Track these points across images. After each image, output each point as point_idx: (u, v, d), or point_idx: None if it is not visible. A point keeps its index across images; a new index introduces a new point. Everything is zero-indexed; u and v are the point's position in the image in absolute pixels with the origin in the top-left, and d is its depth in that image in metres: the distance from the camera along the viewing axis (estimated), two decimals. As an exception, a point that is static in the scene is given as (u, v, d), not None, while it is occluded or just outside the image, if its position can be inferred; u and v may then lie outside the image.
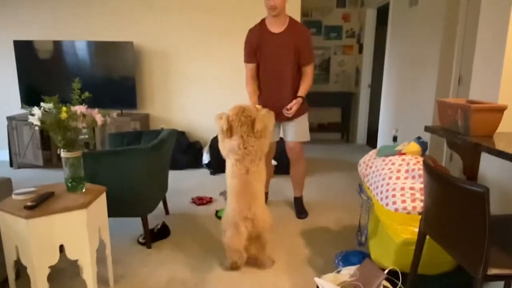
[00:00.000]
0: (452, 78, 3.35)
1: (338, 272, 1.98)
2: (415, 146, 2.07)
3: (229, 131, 2.23)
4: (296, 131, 2.91)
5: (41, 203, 1.69)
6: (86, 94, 1.81)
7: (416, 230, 1.67)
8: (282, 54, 2.75)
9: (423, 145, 2.10)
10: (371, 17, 5.51)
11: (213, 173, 4.17)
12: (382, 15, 5.11)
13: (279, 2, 2.64)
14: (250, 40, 2.83)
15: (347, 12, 6.05)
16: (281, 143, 3.05)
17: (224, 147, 2.29)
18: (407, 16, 4.10)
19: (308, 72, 2.82)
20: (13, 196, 1.78)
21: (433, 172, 1.44)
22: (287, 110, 2.70)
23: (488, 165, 2.06)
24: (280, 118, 2.79)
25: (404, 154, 2.06)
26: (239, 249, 2.15)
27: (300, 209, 3.09)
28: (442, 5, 3.30)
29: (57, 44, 4.24)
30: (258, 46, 2.80)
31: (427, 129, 2.17)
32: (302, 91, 2.80)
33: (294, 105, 2.71)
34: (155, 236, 2.60)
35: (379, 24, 5.41)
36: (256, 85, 2.90)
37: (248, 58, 2.86)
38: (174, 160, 3.24)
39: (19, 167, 4.30)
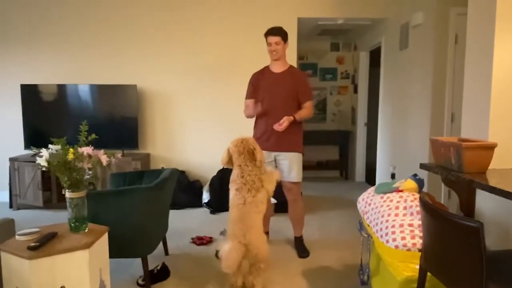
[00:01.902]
0: (445, 115, 3.47)
1: (341, 312, 1.95)
2: (411, 183, 2.12)
3: (230, 163, 2.33)
4: (291, 170, 2.96)
5: (44, 244, 1.70)
6: (93, 135, 1.88)
7: (417, 267, 1.67)
8: (279, 89, 2.93)
9: (420, 182, 2.14)
10: (364, 59, 5.76)
11: (213, 212, 4.17)
12: (375, 57, 5.35)
13: (279, 48, 2.91)
14: (252, 81, 3.07)
15: (341, 55, 6.33)
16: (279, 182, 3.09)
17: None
18: (398, 58, 4.30)
19: (307, 106, 3.00)
20: (17, 237, 1.79)
21: (429, 208, 1.48)
22: (279, 125, 2.78)
23: (484, 201, 2.10)
24: (272, 148, 2.95)
25: (401, 191, 2.10)
26: (233, 266, 2.12)
27: (301, 248, 3.07)
28: (430, 47, 3.48)
29: (61, 88, 4.40)
30: (258, 84, 3.00)
31: (422, 166, 2.23)
32: (297, 114, 2.91)
33: (285, 121, 2.78)
34: (155, 277, 2.57)
35: (372, 66, 5.65)
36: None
37: (249, 96, 3.06)
38: (174, 199, 3.26)
39: (18, 208, 4.29)
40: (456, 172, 1.88)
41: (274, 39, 2.89)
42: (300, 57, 5.86)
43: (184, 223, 3.79)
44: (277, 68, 3.00)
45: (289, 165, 2.96)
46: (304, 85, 3.01)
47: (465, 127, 2.32)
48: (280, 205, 3.48)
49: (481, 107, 2.15)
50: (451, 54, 3.39)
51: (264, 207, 2.37)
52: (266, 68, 3.06)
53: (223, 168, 4.55)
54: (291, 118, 2.84)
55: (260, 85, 3.00)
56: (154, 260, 2.77)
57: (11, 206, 4.32)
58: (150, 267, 2.55)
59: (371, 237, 2.12)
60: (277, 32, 2.91)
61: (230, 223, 2.30)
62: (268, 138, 2.96)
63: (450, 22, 3.38)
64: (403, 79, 4.15)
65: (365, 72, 5.79)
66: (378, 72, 5.03)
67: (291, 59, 4.36)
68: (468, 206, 1.95)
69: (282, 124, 2.78)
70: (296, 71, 3.09)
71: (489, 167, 1.89)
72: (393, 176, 4.35)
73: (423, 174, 2.49)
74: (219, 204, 4.11)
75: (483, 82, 2.14)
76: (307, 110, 2.99)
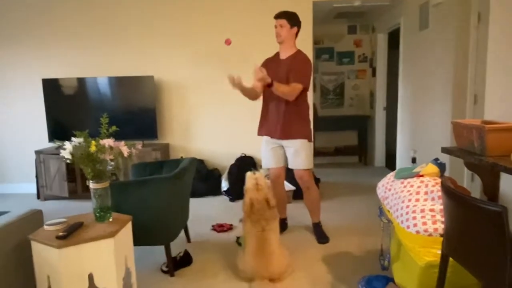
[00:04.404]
0: (468, 98, 3.36)
1: (362, 297, 1.97)
2: (433, 168, 2.08)
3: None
4: (296, 158, 2.95)
5: (71, 233, 1.77)
6: (114, 127, 1.92)
7: (439, 252, 1.66)
8: (281, 76, 2.87)
9: (441, 166, 2.10)
10: (383, 41, 5.61)
11: (232, 199, 4.22)
12: (393, 39, 5.21)
13: (284, 31, 2.88)
14: (263, 65, 3.01)
15: (359, 38, 6.19)
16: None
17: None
18: (418, 39, 4.17)
19: (292, 85, 2.79)
20: (45, 227, 1.86)
21: (451, 193, 1.46)
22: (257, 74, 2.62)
23: (508, 185, 2.04)
24: (278, 135, 2.94)
25: (422, 176, 2.07)
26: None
27: (320, 234, 3.09)
28: (452, 27, 3.36)
29: (80, 81, 4.49)
30: (267, 69, 2.93)
31: (444, 150, 2.18)
32: (277, 84, 2.72)
33: (258, 72, 2.60)
34: (177, 264, 2.64)
35: (390, 48, 5.50)
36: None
37: None
38: (194, 188, 3.32)
39: (45, 199, 4.46)
40: (479, 156, 1.83)
41: (278, 21, 2.88)
42: (316, 42, 5.77)
43: (204, 211, 3.85)
44: (283, 54, 2.97)
45: (296, 153, 2.94)
46: (297, 67, 2.86)
47: (488, 109, 2.26)
48: (299, 192, 3.49)
49: (505, 89, 2.07)
50: (473, 34, 3.25)
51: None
52: (277, 54, 3.04)
53: (241, 156, 4.59)
54: (268, 79, 2.62)
55: (268, 71, 2.92)
56: (177, 247, 2.84)
57: (38, 197, 4.50)
58: (173, 254, 2.62)
59: (392, 223, 2.10)
60: (282, 14, 2.88)
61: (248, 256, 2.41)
62: (273, 126, 2.96)
63: (472, 0, 3.24)
64: (423, 60, 4.04)
65: (383, 55, 5.65)
66: (397, 55, 4.90)
67: (307, 43, 4.31)
68: (491, 190, 1.91)
69: (257, 74, 2.61)
70: (299, 56, 2.95)
71: (514, 150, 1.83)
72: (413, 160, 4.27)
73: (445, 158, 2.44)
74: (238, 192, 4.15)
75: (507, 62, 2.06)
76: (288, 87, 2.78)
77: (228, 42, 2.89)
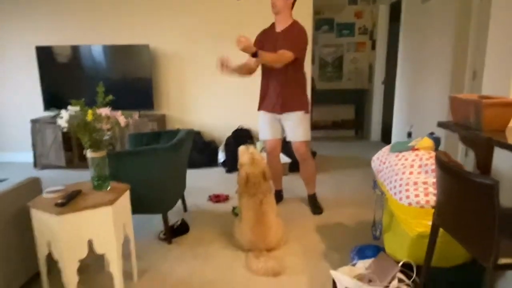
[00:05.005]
0: (466, 73, 3.34)
1: (354, 265, 2.04)
2: (428, 142, 2.11)
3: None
4: (295, 130, 2.95)
5: (70, 201, 1.79)
6: (110, 97, 1.91)
7: (430, 223, 1.70)
8: (276, 49, 2.78)
9: (436, 141, 2.13)
10: (384, 13, 5.50)
11: (228, 171, 4.26)
12: (395, 11, 5.10)
13: (279, 2, 2.79)
14: (258, 37, 2.99)
15: (360, 9, 6.05)
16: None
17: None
18: (420, 11, 4.09)
19: (280, 51, 2.71)
20: (44, 195, 1.89)
21: (444, 166, 1.48)
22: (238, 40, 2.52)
23: (501, 160, 2.07)
24: (275, 109, 2.94)
25: (417, 149, 2.09)
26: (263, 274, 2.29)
27: (314, 205, 3.15)
28: (455, 0, 3.29)
29: (75, 49, 4.40)
30: (262, 42, 2.90)
31: (440, 124, 2.19)
32: (263, 53, 2.63)
33: (241, 40, 2.50)
34: (175, 232, 2.70)
35: (392, 20, 5.40)
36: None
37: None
38: (191, 159, 3.34)
39: (42, 168, 4.47)
40: (474, 130, 1.85)
41: None
42: (316, 12, 5.63)
43: (201, 182, 3.90)
44: (279, 26, 2.89)
45: (294, 125, 2.94)
46: (291, 38, 2.77)
47: (486, 85, 2.25)
48: (295, 164, 3.53)
49: (504, 64, 2.06)
50: (475, 6, 3.20)
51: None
52: (272, 26, 2.96)
53: (238, 129, 4.59)
54: (253, 48, 2.54)
55: (264, 44, 2.88)
56: (174, 216, 2.89)
57: (35, 166, 4.51)
58: (170, 223, 2.67)
59: (385, 195, 2.15)
60: None
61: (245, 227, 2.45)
62: (273, 100, 2.94)
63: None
64: (424, 34, 3.98)
65: (384, 27, 5.56)
66: (398, 27, 4.81)
67: (306, 14, 4.22)
68: (484, 165, 1.94)
69: (240, 43, 2.50)
70: (294, 27, 2.85)
71: (509, 125, 1.85)
72: (409, 135, 4.30)
73: (441, 133, 2.46)
74: (234, 163, 4.18)
75: (508, 37, 2.04)
76: (275, 54, 2.69)
77: None
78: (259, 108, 3.08)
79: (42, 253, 1.87)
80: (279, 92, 2.89)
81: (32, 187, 2.11)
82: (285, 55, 2.72)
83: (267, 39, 2.91)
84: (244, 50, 2.53)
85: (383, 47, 5.63)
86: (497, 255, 1.23)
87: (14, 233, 1.94)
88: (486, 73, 2.25)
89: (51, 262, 1.86)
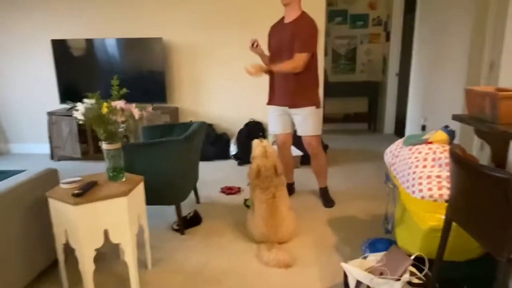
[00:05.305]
0: (483, 64, 3.27)
1: (365, 258, 2.04)
2: (442, 135, 2.08)
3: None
4: (305, 125, 2.94)
5: (87, 191, 1.84)
6: (124, 90, 1.94)
7: (443, 217, 1.69)
8: (284, 42, 2.81)
9: (451, 134, 2.10)
10: (399, 4, 5.40)
11: (240, 163, 4.28)
12: (410, 1, 5.00)
13: None
14: (269, 32, 3.02)
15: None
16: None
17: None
18: (436, 1, 4.01)
19: (295, 58, 2.72)
20: (61, 185, 1.94)
21: (459, 159, 1.47)
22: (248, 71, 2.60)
23: (518, 153, 2.03)
24: (284, 103, 2.94)
25: (431, 142, 2.07)
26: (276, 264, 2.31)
27: (326, 198, 3.15)
28: (472, -10, 3.21)
29: (89, 42, 4.45)
30: (272, 36, 2.95)
31: (454, 117, 2.16)
32: (275, 66, 2.74)
33: (253, 68, 2.60)
34: (188, 223, 2.74)
35: (407, 11, 5.30)
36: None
37: (268, 49, 3.01)
38: (203, 152, 3.37)
39: (59, 160, 4.57)
40: (490, 123, 1.82)
41: None
42: (329, 3, 5.57)
43: (213, 174, 3.93)
44: (288, 17, 2.87)
45: (303, 120, 2.93)
46: (300, 33, 2.73)
47: (504, 77, 2.20)
48: (306, 157, 3.52)
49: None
50: (495, -4, 3.11)
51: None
52: (281, 18, 2.94)
53: (250, 122, 4.60)
54: (265, 67, 2.67)
55: (273, 38, 2.92)
56: (187, 207, 2.94)
57: (52, 158, 4.61)
58: (183, 214, 2.71)
59: (397, 188, 2.14)
60: None
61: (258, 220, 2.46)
62: (279, 94, 2.94)
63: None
64: (440, 25, 3.90)
65: (399, 18, 5.45)
66: (413, 18, 4.72)
67: (319, 5, 4.18)
68: (500, 158, 1.91)
69: (249, 71, 2.59)
70: (304, 19, 2.80)
71: (526, 118, 1.81)
72: (423, 128, 4.24)
73: (456, 126, 2.42)
74: (247, 156, 4.20)
75: (528, 26, 1.99)
76: (289, 64, 2.72)
77: None
78: (269, 103, 3.07)
79: (59, 242, 1.92)
80: (287, 88, 2.88)
81: (50, 178, 2.17)
82: (301, 59, 2.71)
83: (275, 33, 2.92)
84: (257, 76, 2.65)
85: (398, 38, 5.53)
86: (511, 249, 1.21)
87: (33, 222, 2.00)
88: (503, 64, 2.20)
89: (69, 250, 1.91)
